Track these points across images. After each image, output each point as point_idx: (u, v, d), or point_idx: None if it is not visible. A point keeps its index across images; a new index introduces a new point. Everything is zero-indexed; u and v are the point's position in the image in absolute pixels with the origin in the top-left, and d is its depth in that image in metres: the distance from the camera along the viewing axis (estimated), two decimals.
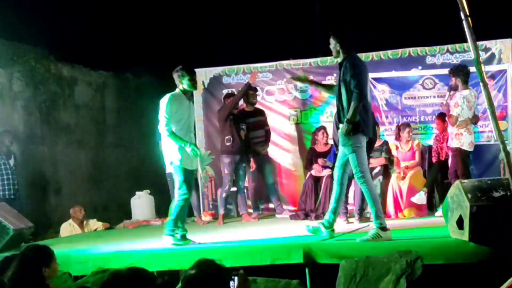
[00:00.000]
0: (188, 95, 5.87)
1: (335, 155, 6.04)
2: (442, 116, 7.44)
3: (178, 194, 5.73)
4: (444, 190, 7.09)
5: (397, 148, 7.61)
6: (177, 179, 5.71)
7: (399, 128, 7.63)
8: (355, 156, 5.25)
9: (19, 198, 8.15)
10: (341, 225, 6.46)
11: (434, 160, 7.60)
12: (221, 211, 7.74)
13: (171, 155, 5.71)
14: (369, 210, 6.88)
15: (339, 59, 5.40)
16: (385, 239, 5.18)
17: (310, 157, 7.97)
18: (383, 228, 5.23)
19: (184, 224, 5.91)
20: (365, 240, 5.19)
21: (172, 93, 5.78)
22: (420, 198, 7.10)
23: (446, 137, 7.23)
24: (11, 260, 3.99)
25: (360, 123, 5.22)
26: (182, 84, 5.76)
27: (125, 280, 2.85)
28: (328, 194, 6.80)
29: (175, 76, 5.80)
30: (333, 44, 5.37)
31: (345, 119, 5.17)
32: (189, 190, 5.76)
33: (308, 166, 7.99)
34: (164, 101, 5.69)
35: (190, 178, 5.77)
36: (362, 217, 6.77)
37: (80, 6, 10.47)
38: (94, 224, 8.20)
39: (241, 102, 8.03)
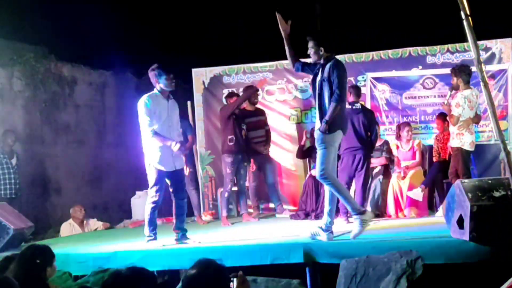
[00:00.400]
0: (165, 94, 5.67)
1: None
2: (442, 116, 7.44)
3: (148, 195, 5.70)
4: (444, 190, 7.10)
5: (397, 147, 7.61)
6: (150, 179, 5.66)
7: (399, 127, 7.64)
8: (325, 153, 5.28)
9: (20, 197, 8.16)
10: (341, 225, 6.46)
11: (434, 160, 7.60)
12: (224, 213, 7.60)
13: (148, 155, 5.67)
14: (368, 208, 6.93)
15: (321, 62, 5.42)
16: (370, 219, 5.35)
17: (308, 154, 7.99)
18: (361, 212, 5.32)
19: (184, 224, 5.90)
20: (357, 234, 5.25)
21: (148, 94, 5.65)
22: (417, 193, 7.11)
23: (446, 137, 7.23)
24: (12, 260, 4.00)
25: (337, 120, 5.27)
26: (159, 83, 5.61)
27: (125, 280, 2.85)
28: None
29: (151, 75, 5.63)
30: (314, 48, 5.40)
31: (324, 119, 5.24)
32: (160, 192, 5.64)
33: (299, 154, 8.16)
34: (141, 104, 5.58)
35: (163, 180, 5.68)
36: None
37: (80, 5, 10.45)
38: (94, 223, 8.21)
39: None
